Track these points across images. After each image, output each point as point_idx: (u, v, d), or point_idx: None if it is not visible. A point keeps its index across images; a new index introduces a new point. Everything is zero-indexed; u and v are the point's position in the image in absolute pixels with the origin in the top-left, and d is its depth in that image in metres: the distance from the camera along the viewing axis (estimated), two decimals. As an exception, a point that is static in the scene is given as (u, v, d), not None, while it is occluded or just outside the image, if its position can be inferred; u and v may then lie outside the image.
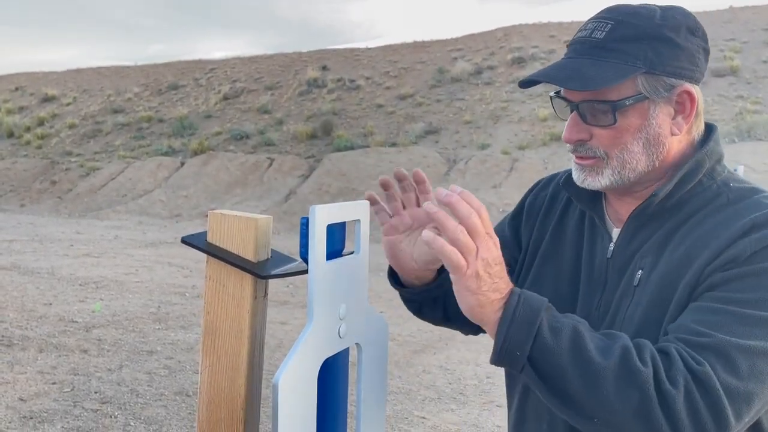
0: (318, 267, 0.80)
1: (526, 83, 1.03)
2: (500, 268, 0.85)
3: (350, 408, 1.00)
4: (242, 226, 0.92)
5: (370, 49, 26.04)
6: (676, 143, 1.00)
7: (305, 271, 0.90)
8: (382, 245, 1.10)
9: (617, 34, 0.96)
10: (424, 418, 4.00)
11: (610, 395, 0.81)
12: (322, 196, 14.48)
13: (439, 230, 0.83)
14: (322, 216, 0.80)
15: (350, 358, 0.93)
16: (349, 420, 0.98)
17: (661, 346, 0.85)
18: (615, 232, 1.05)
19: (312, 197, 14.61)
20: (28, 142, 21.95)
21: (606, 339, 0.85)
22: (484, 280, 0.83)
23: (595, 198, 1.08)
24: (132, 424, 3.75)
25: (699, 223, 0.96)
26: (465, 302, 0.85)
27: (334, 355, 0.87)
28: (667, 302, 0.93)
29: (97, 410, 3.91)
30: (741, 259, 0.88)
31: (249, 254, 0.91)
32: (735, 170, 5.94)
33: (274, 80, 23.57)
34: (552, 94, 1.05)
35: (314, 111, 19.97)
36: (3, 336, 5.22)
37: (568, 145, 1.03)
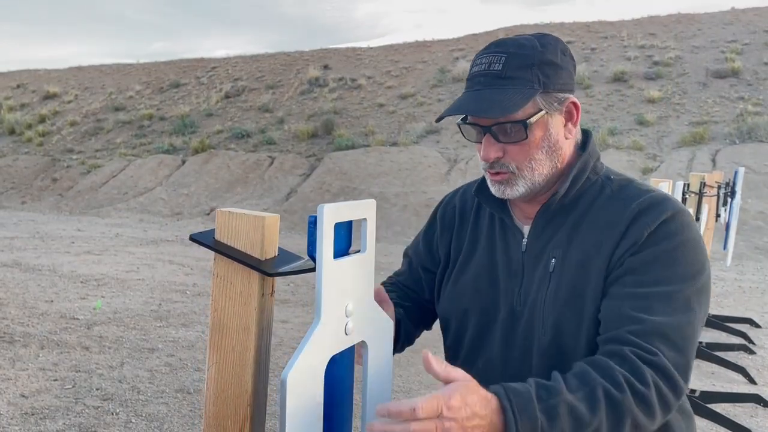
0: (326, 265, 0.81)
1: (445, 117, 1.17)
2: (479, 417, 0.84)
3: (354, 409, 1.00)
4: (250, 224, 0.93)
5: (371, 48, 26.00)
6: (568, 147, 1.19)
7: (312, 269, 0.91)
8: None
9: (513, 64, 1.11)
10: (424, 417, 4.01)
11: (610, 430, 0.93)
12: (323, 195, 14.48)
13: None
14: (330, 214, 0.81)
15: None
16: (353, 420, 0.99)
17: (619, 353, 0.98)
18: (526, 229, 1.21)
19: (313, 196, 14.61)
20: (29, 140, 21.94)
21: (584, 386, 0.93)
22: None
23: (503, 202, 1.24)
24: (133, 421, 3.77)
25: (596, 215, 1.14)
26: None
27: (341, 352, 0.88)
28: (583, 284, 1.09)
29: (99, 407, 3.92)
30: (641, 241, 1.06)
31: (256, 252, 0.92)
32: (735, 173, 5.92)
33: (276, 79, 23.56)
34: (459, 121, 1.19)
35: (315, 110, 19.96)
36: (4, 333, 5.23)
37: (482, 163, 1.18)
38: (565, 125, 1.17)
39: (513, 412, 0.86)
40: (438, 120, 1.20)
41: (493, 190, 1.19)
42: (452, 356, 1.29)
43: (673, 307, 1.01)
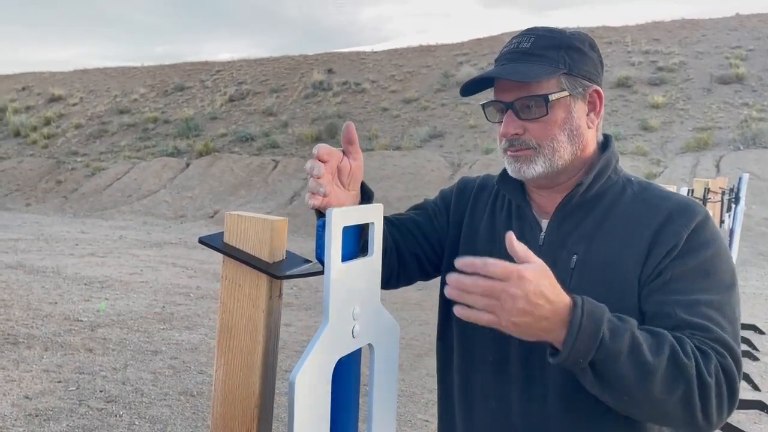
0: (334, 268, 0.82)
1: (471, 87, 1.19)
2: (546, 299, 0.88)
3: (360, 413, 1.01)
4: (258, 227, 0.94)
5: (375, 52, 26.04)
6: (590, 138, 1.19)
7: (320, 272, 0.91)
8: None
9: (540, 44, 1.15)
10: (427, 421, 4.01)
11: (660, 388, 0.93)
12: (327, 199, 14.47)
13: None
14: (339, 218, 0.82)
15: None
16: (359, 423, 1.00)
17: (695, 343, 0.98)
18: (544, 223, 1.20)
19: (316, 200, 14.61)
20: (34, 142, 22.03)
21: (654, 337, 0.95)
22: (525, 323, 0.88)
23: (523, 193, 1.24)
24: (137, 423, 3.78)
25: (621, 214, 1.13)
26: (522, 337, 0.91)
27: (347, 355, 0.88)
28: (610, 283, 1.08)
29: (102, 409, 3.93)
30: (680, 243, 1.06)
31: (265, 255, 0.93)
32: (739, 179, 5.91)
33: (280, 83, 23.62)
34: (484, 102, 1.21)
35: (319, 114, 20.00)
36: (9, 334, 5.25)
37: (502, 142, 1.18)
38: (588, 114, 1.18)
39: (582, 312, 0.90)
40: (462, 91, 1.20)
41: (510, 169, 1.18)
42: (461, 348, 1.24)
43: (723, 315, 1.02)
